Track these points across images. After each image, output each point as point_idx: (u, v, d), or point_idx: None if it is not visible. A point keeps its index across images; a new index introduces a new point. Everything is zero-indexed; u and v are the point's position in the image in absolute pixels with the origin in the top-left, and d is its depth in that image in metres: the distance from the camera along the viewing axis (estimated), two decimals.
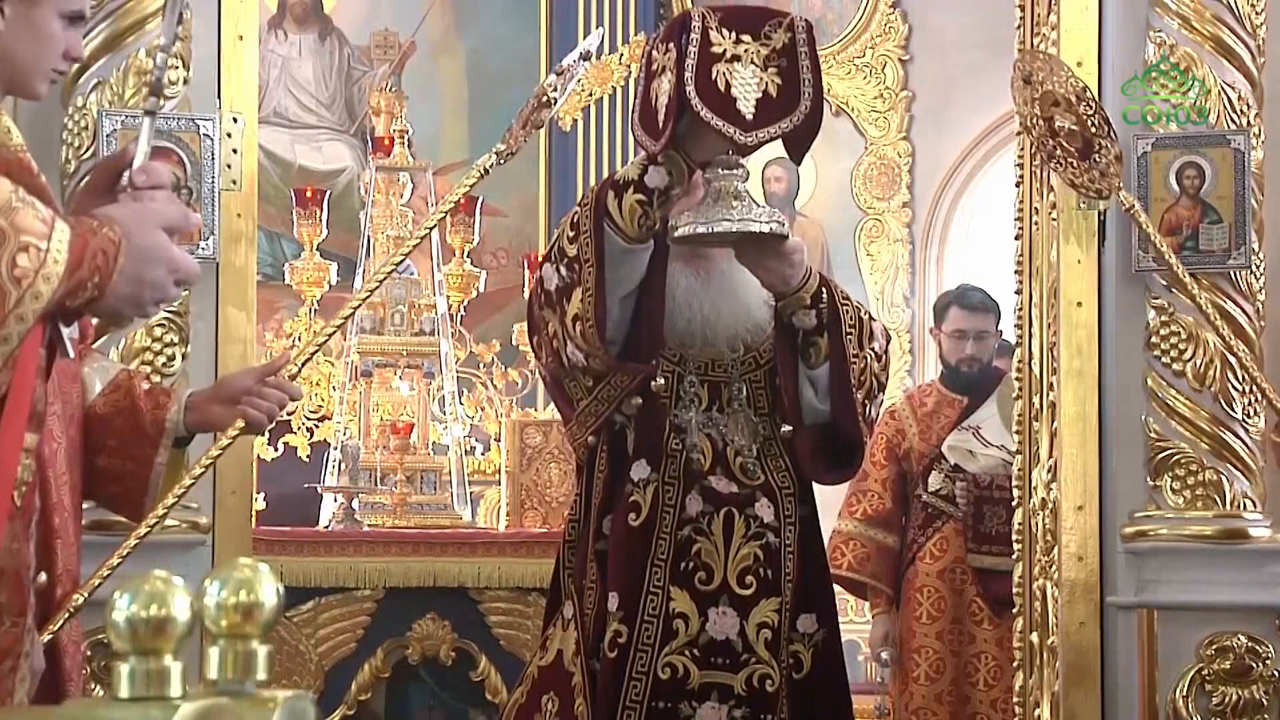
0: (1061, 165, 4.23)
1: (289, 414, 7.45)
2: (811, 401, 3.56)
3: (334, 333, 3.38)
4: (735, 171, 3.27)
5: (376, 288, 3.50)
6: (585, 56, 3.57)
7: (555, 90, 3.44)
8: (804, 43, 3.20)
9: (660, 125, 3.19)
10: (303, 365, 3.18)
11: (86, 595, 2.77)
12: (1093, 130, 4.18)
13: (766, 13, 3.30)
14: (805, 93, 3.19)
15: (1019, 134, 4.75)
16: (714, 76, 3.16)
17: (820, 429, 3.58)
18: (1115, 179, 4.15)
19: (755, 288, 3.55)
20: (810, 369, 3.55)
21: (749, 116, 3.16)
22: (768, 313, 3.58)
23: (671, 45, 3.19)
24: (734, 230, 3.26)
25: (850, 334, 3.53)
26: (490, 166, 3.42)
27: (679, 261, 3.50)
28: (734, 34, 3.18)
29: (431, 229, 3.59)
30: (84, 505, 2.91)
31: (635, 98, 3.28)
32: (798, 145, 3.34)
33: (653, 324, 3.40)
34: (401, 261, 3.62)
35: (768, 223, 3.28)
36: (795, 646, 3.49)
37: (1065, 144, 4.21)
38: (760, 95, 3.16)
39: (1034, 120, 4.23)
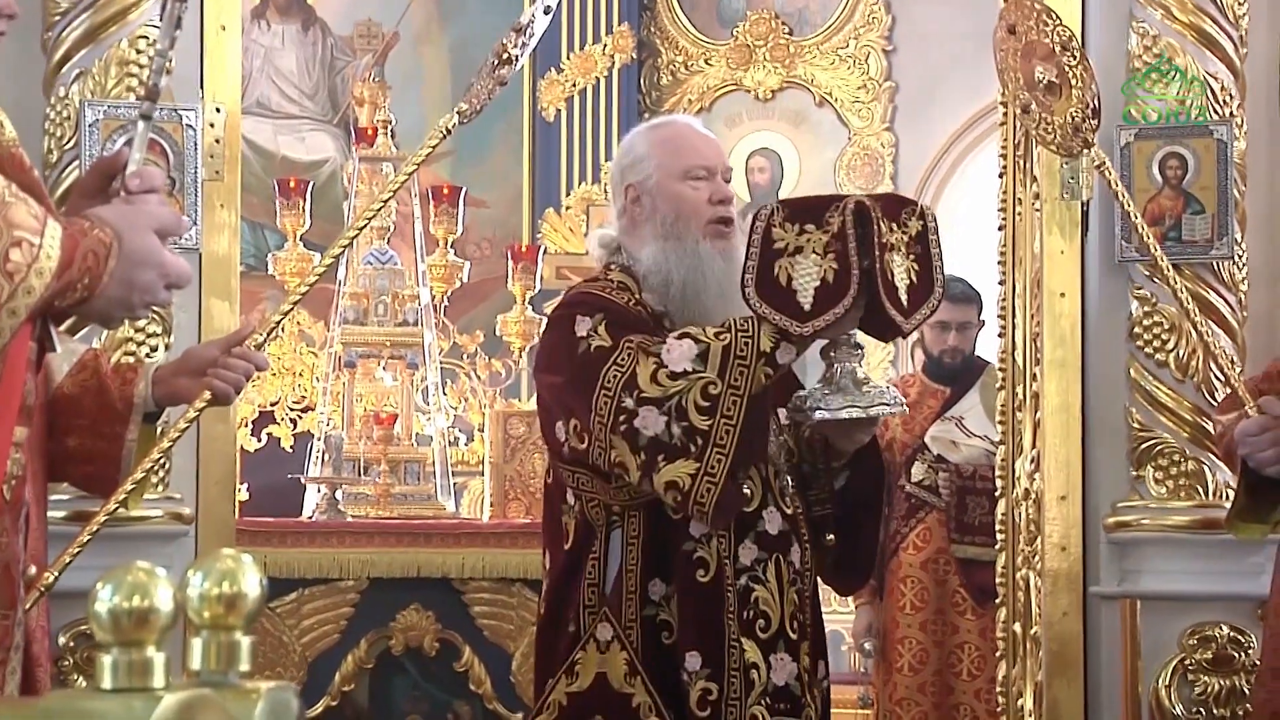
0: (1035, 121, 4.06)
1: (272, 405, 7.45)
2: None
3: (298, 302, 3.34)
4: (857, 353, 3.37)
5: (342, 251, 3.42)
6: (546, 10, 3.48)
7: (515, 47, 3.38)
8: (934, 230, 3.33)
9: (808, 309, 3.22)
10: (269, 335, 3.16)
11: (57, 574, 2.75)
12: (1073, 82, 4.04)
13: (899, 200, 3.40)
14: (938, 279, 3.32)
15: (1002, 124, 4.74)
16: (885, 267, 3.23)
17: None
18: (1089, 134, 3.95)
19: None
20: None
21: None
22: None
23: (810, 226, 3.21)
24: (867, 415, 3.36)
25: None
26: (452, 126, 3.36)
27: (707, 241, 3.50)
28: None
29: (399, 189, 3.54)
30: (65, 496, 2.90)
31: (748, 259, 3.26)
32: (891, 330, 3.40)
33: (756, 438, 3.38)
34: (367, 224, 3.59)
35: (892, 404, 3.38)
36: (815, 691, 3.53)
37: (1041, 98, 4.05)
38: (908, 282, 3.26)
39: (1013, 74, 4.09)
